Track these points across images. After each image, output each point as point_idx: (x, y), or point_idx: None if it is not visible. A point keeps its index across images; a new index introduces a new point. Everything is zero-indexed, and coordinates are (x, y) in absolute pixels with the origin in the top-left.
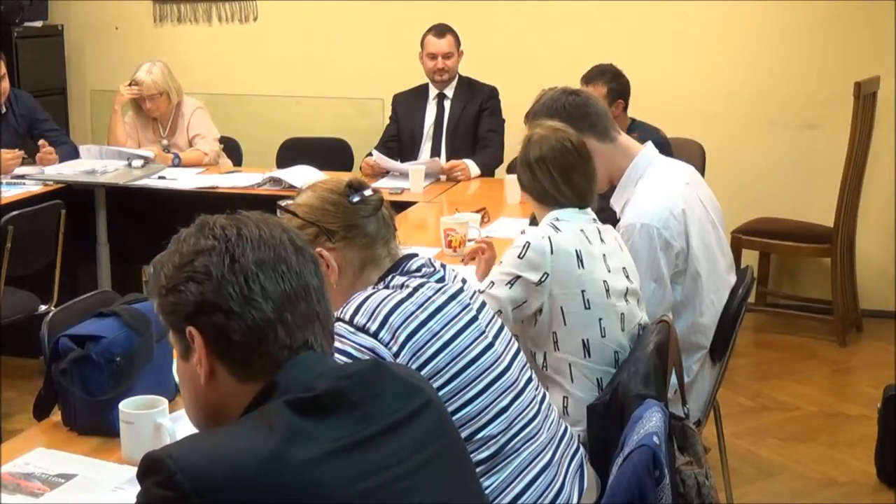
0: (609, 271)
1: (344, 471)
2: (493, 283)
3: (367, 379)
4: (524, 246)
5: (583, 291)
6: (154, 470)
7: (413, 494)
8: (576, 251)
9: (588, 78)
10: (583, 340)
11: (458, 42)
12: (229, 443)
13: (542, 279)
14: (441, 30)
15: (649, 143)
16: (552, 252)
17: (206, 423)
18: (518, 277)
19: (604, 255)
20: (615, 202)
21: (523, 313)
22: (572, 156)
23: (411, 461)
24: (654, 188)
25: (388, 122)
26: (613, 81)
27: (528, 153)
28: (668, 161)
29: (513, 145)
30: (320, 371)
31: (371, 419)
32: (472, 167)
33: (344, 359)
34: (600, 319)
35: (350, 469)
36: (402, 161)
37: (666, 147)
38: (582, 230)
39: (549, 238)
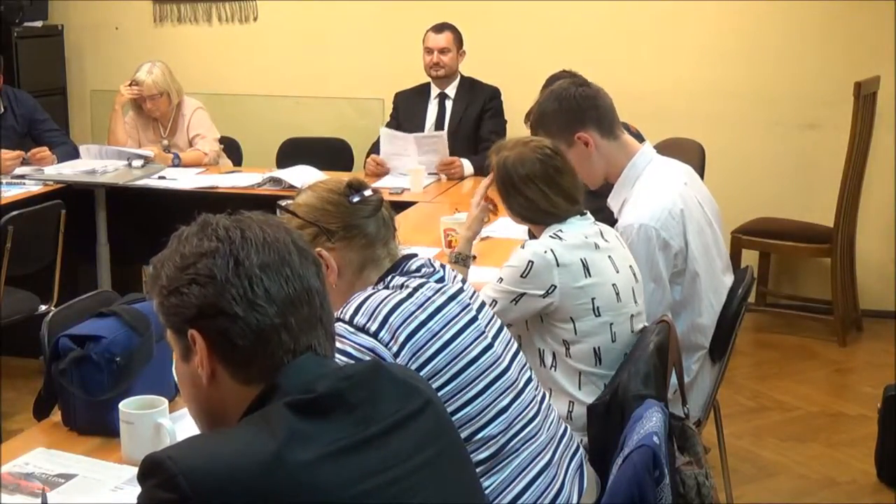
0: (617, 272)
1: (343, 472)
2: (495, 301)
3: (366, 380)
4: (527, 265)
5: (593, 300)
6: (154, 472)
7: (413, 495)
8: (581, 260)
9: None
10: (594, 349)
11: (458, 40)
12: (230, 445)
13: (550, 291)
14: (440, 26)
15: (647, 143)
16: (558, 264)
17: (206, 424)
18: (522, 295)
19: (610, 256)
20: (612, 201)
21: (535, 315)
22: (555, 160)
23: (411, 462)
24: (652, 188)
25: (388, 120)
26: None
27: (511, 176)
28: (666, 161)
29: None
30: (320, 373)
31: (370, 420)
32: (467, 165)
33: (344, 359)
34: (611, 325)
35: (349, 470)
36: (403, 161)
37: (639, 139)
38: (586, 236)
39: (553, 251)
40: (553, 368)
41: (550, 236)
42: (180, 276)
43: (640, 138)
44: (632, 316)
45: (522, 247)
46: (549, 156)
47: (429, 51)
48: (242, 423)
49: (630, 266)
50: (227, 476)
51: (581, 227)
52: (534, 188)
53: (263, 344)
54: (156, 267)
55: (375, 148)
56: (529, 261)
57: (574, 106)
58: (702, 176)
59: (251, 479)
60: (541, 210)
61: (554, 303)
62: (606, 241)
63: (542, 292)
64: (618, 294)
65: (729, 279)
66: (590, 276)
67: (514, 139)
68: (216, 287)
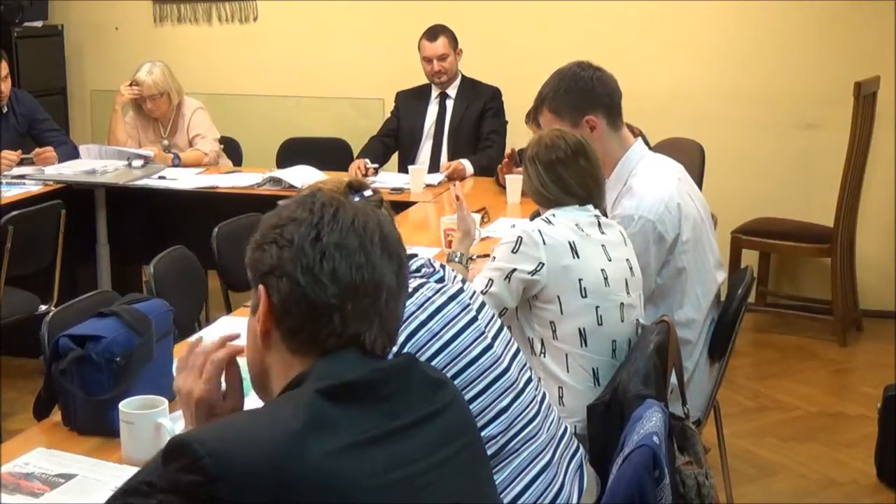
0: (609, 260)
1: (368, 462)
2: (490, 281)
3: (398, 373)
4: (517, 240)
5: (579, 280)
6: (180, 454)
7: (436, 488)
8: (569, 242)
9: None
10: (579, 329)
11: (453, 42)
12: (256, 429)
13: (538, 268)
14: (434, 32)
15: (640, 140)
16: (545, 243)
17: (255, 382)
18: (514, 270)
19: (603, 246)
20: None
21: (524, 297)
22: (560, 151)
23: (436, 456)
24: (649, 181)
25: (388, 116)
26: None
27: (526, 154)
28: (658, 157)
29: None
30: (353, 364)
31: (399, 413)
32: (467, 166)
33: None
34: (597, 307)
35: (375, 461)
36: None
37: (645, 141)
38: (577, 224)
39: (540, 230)
40: (543, 355)
41: (542, 219)
42: (268, 235)
43: (645, 141)
44: (622, 304)
45: (513, 226)
46: (557, 146)
47: (427, 60)
48: (270, 405)
49: (627, 260)
50: (253, 460)
51: (575, 216)
52: (532, 168)
53: (313, 319)
54: (261, 221)
55: (363, 152)
56: (519, 237)
57: (589, 87)
58: (702, 176)
59: (276, 464)
60: (536, 189)
61: (541, 281)
62: (603, 233)
63: (531, 268)
64: (606, 279)
65: (721, 275)
66: (577, 257)
67: (556, 126)
68: (291, 252)
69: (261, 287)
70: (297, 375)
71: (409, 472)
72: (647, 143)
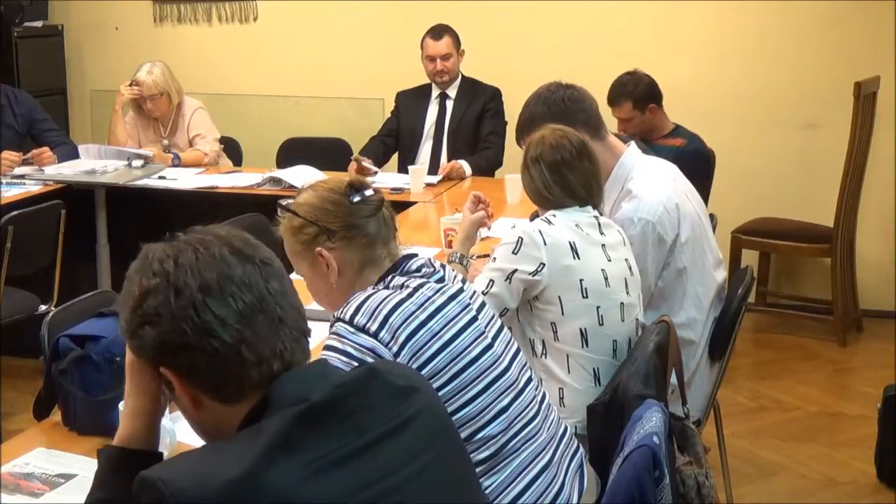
0: (609, 261)
1: (339, 485)
2: (491, 281)
3: (360, 387)
4: (517, 241)
5: (580, 280)
6: (146, 494)
7: (412, 499)
8: (570, 242)
9: (611, 101)
10: (580, 329)
11: (457, 42)
12: (221, 464)
13: (539, 269)
14: (438, 31)
15: (633, 144)
16: (545, 243)
17: (209, 440)
18: (514, 271)
19: (603, 245)
20: (604, 205)
21: (524, 298)
22: (566, 152)
23: (406, 470)
24: (646, 184)
25: (388, 116)
26: (635, 91)
27: (527, 154)
28: (652, 159)
29: (513, 147)
30: (313, 382)
31: (365, 429)
32: (466, 167)
33: (344, 358)
34: (598, 308)
35: (345, 483)
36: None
37: (702, 158)
38: (577, 224)
39: (541, 231)
40: (544, 356)
41: (542, 219)
42: (134, 319)
43: (692, 134)
44: (622, 304)
45: (513, 227)
46: (564, 146)
47: (431, 59)
48: (236, 438)
49: (626, 260)
50: (216, 495)
51: (575, 216)
52: (537, 170)
53: (226, 366)
54: (120, 310)
55: (363, 151)
56: (519, 237)
57: (563, 108)
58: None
59: (240, 498)
60: (537, 191)
61: (542, 281)
62: (603, 234)
63: (532, 269)
64: (606, 279)
65: (720, 274)
66: (577, 258)
67: (556, 125)
68: (166, 324)
69: (163, 370)
70: (252, 409)
71: (382, 488)
72: (706, 154)
